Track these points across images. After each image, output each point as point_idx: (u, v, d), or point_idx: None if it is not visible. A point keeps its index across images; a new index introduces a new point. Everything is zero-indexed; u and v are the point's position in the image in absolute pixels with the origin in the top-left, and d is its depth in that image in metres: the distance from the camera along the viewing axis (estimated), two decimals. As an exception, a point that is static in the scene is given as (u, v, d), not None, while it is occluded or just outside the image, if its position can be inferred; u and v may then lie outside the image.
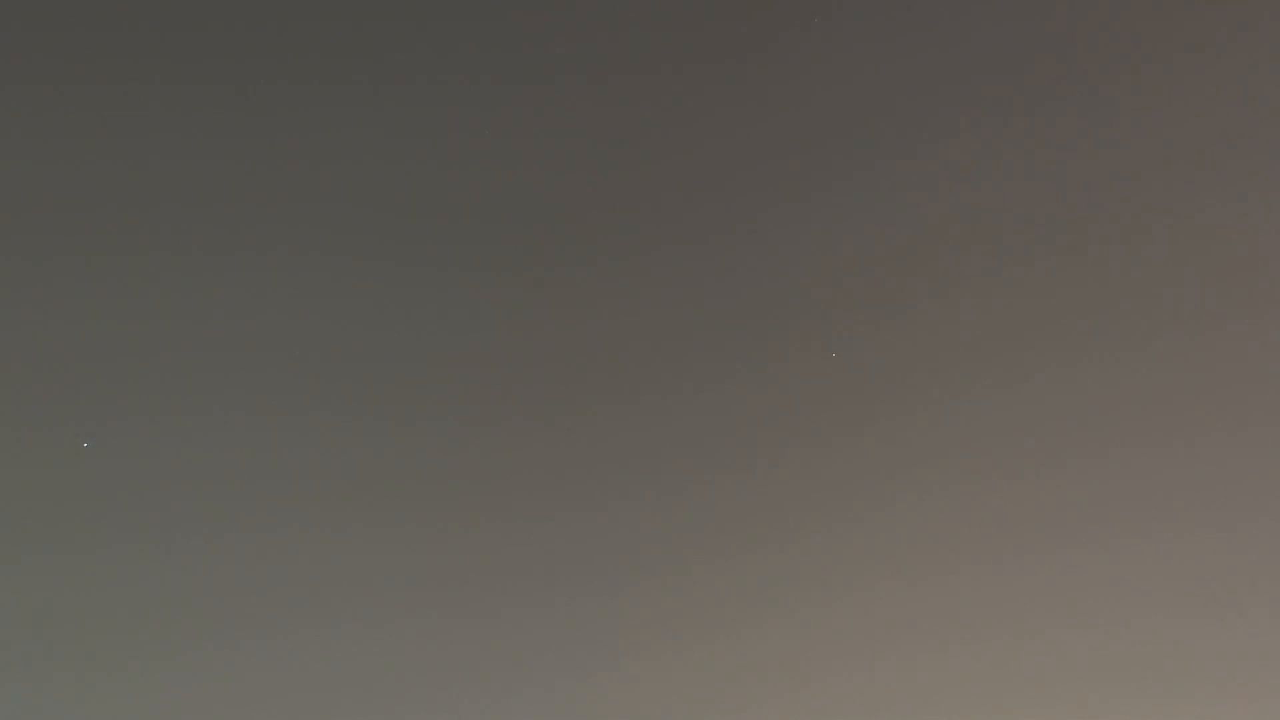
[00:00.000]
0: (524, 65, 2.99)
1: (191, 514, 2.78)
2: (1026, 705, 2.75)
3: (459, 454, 2.85)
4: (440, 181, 2.95)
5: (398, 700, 2.75)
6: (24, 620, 2.72)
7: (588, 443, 2.87)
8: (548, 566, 2.82)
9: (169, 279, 2.86)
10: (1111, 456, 2.83)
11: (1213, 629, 2.75)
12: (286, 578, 2.77)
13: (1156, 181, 2.92)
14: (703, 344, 2.91)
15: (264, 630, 2.75)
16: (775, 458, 2.86)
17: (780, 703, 2.77)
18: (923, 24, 2.99)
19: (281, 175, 2.92)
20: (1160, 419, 2.83)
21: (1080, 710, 2.74)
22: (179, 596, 2.75)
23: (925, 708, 2.76)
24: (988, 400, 2.86)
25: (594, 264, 2.94)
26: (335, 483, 2.82)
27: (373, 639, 2.76)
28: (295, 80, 2.95)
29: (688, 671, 2.79)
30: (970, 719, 2.75)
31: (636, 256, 2.94)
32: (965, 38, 2.99)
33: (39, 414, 2.78)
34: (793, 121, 2.98)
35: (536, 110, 2.98)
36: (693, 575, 2.82)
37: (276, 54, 2.96)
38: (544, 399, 2.88)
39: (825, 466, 2.85)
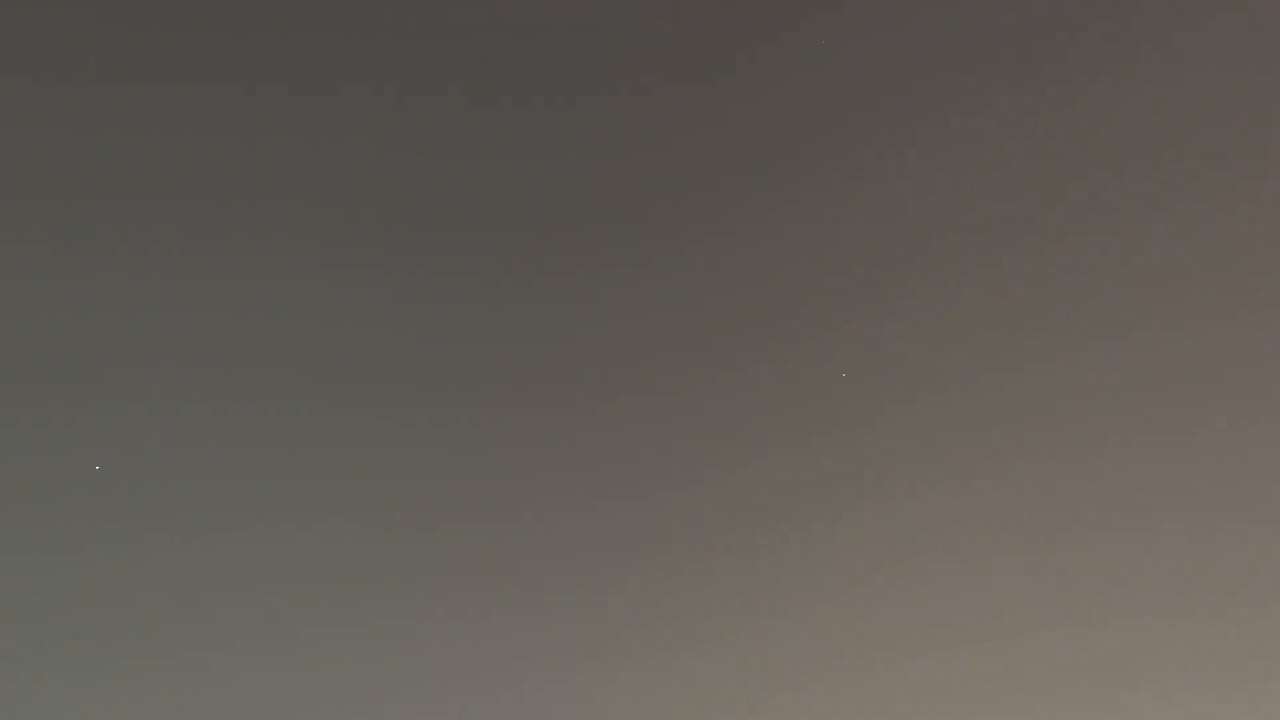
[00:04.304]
0: (525, 68, 3.00)
1: (190, 515, 2.79)
2: (1027, 705, 2.75)
3: (456, 454, 2.86)
4: (439, 183, 2.96)
5: (397, 700, 2.75)
6: (25, 621, 2.73)
7: (585, 444, 2.87)
8: (548, 567, 2.82)
9: (171, 281, 2.87)
10: (1112, 455, 2.83)
11: (1214, 628, 2.75)
12: (286, 578, 2.78)
13: (1150, 176, 2.92)
14: (700, 345, 2.91)
15: (264, 631, 2.75)
16: (774, 457, 2.86)
17: (779, 703, 2.77)
18: (916, 21, 3.00)
19: (282, 179, 2.93)
20: (1159, 416, 2.83)
21: (1080, 711, 2.74)
22: (179, 596, 2.76)
23: (924, 708, 2.76)
24: (986, 399, 2.86)
25: (589, 266, 2.94)
26: (334, 484, 2.83)
27: (373, 639, 2.77)
28: (301, 85, 2.96)
29: (687, 672, 2.79)
30: (970, 719, 2.75)
31: (633, 259, 2.94)
32: (960, 37, 2.99)
33: (41, 413, 2.80)
34: (789, 124, 2.98)
35: (535, 113, 2.99)
36: (693, 576, 2.83)
37: (278, 58, 2.97)
38: (542, 400, 2.89)
39: (824, 466, 2.85)
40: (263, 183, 2.92)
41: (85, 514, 2.77)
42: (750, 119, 2.98)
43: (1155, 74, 2.95)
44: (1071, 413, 2.85)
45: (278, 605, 2.76)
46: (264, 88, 2.95)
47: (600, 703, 2.77)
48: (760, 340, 2.90)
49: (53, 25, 2.93)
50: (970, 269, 2.91)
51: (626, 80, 3.00)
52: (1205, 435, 2.82)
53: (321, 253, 2.91)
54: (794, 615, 2.79)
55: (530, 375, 2.90)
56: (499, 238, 2.95)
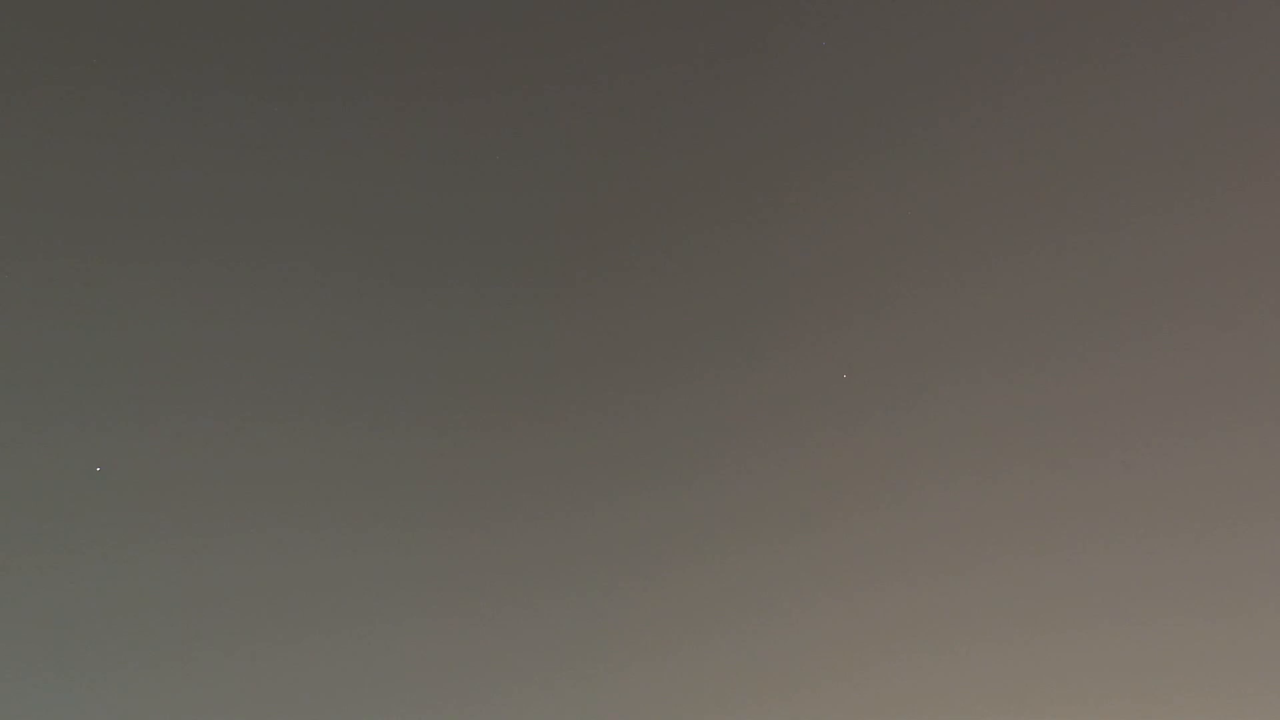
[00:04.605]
0: (522, 70, 3.00)
1: (193, 518, 2.79)
2: (1027, 706, 2.74)
3: (455, 456, 2.86)
4: (436, 185, 2.96)
5: (396, 701, 2.75)
6: (26, 622, 2.73)
7: (585, 444, 2.87)
8: (548, 567, 2.83)
9: (170, 284, 2.88)
10: (1113, 457, 2.83)
11: (1212, 629, 2.75)
12: (287, 580, 2.78)
13: (1151, 176, 2.92)
14: (701, 344, 2.91)
15: (265, 633, 2.76)
16: (775, 459, 2.86)
17: (777, 704, 2.77)
18: (913, 21, 3.00)
19: (277, 183, 2.94)
20: (1159, 418, 2.83)
21: (1080, 711, 2.74)
22: (180, 598, 2.76)
23: (924, 708, 2.76)
24: (987, 400, 2.86)
25: (589, 267, 2.94)
26: (335, 486, 2.83)
27: (374, 641, 2.77)
28: (300, 91, 2.96)
29: (687, 673, 2.79)
30: (971, 719, 2.75)
31: (633, 260, 2.94)
32: (962, 35, 2.99)
33: (44, 416, 2.80)
34: (790, 124, 2.98)
35: (530, 116, 2.99)
36: (693, 577, 2.83)
37: (280, 64, 2.97)
38: (542, 401, 2.89)
39: (825, 467, 2.85)
40: (259, 187, 2.93)
41: (86, 516, 2.78)
42: (751, 119, 2.98)
43: (1154, 74, 2.95)
44: (1073, 414, 2.85)
45: (278, 607, 2.77)
46: (255, 87, 2.96)
47: (600, 703, 2.78)
48: (761, 341, 2.91)
49: (57, 31, 2.94)
50: (972, 270, 2.91)
51: (629, 80, 3.00)
52: (1207, 436, 2.82)
53: (319, 256, 2.92)
54: (794, 617, 2.80)
55: (530, 376, 2.90)
56: (497, 238, 2.95)
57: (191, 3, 2.97)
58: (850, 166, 2.95)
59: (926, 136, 2.95)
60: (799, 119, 2.98)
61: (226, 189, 2.92)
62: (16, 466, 2.78)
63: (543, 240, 2.95)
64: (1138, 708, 2.73)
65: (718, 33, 3.01)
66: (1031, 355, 2.87)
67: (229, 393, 2.84)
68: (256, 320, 2.87)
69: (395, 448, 2.85)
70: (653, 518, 2.84)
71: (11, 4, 2.92)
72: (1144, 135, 2.93)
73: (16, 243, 2.86)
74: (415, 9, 3.00)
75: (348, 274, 2.91)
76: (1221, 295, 2.86)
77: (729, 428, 2.87)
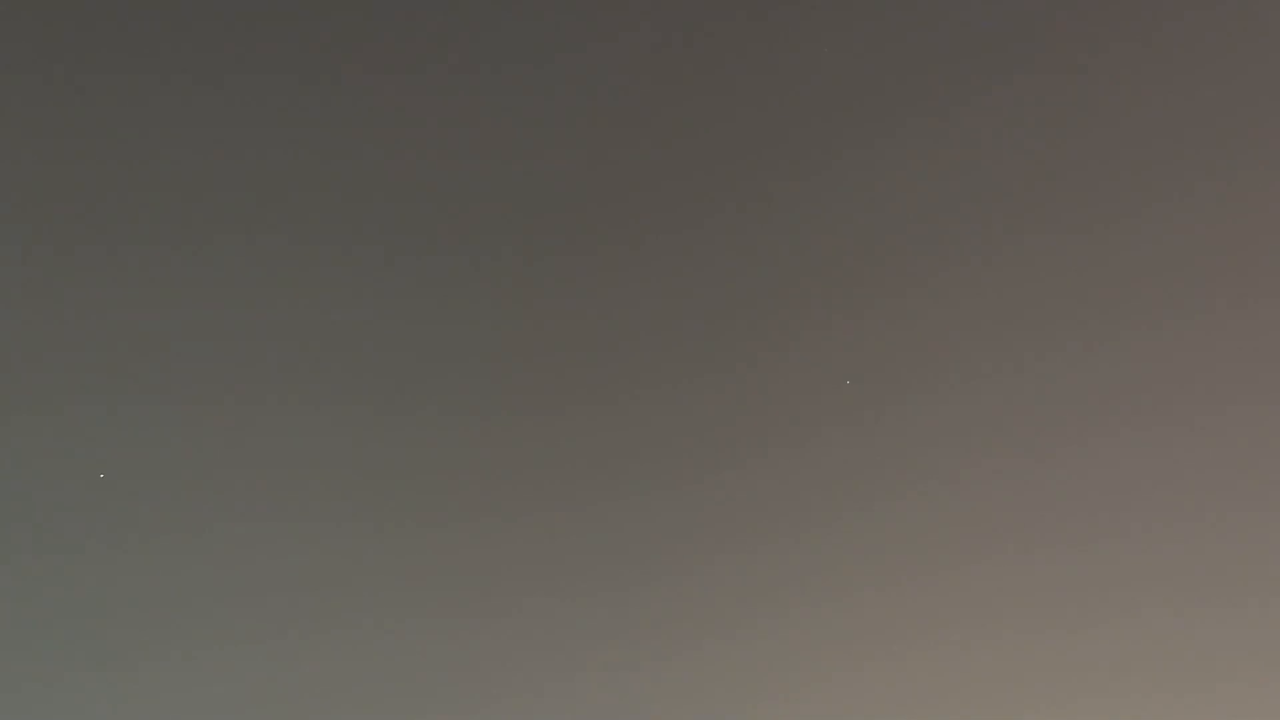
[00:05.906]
0: (517, 56, 3.00)
1: (191, 512, 2.80)
2: (1026, 705, 2.75)
3: (456, 451, 2.86)
4: (431, 174, 2.95)
5: (397, 701, 2.76)
6: (26, 620, 2.74)
7: (583, 443, 2.87)
8: (547, 566, 2.83)
9: (166, 273, 2.88)
10: (1112, 458, 2.83)
11: (1213, 628, 2.75)
12: (286, 577, 2.79)
13: (1151, 174, 2.92)
14: (702, 341, 2.91)
15: (263, 631, 2.76)
16: (777, 461, 2.86)
17: (777, 703, 2.77)
18: (916, 15, 2.99)
19: (277, 168, 2.93)
20: (1151, 414, 2.83)
21: (1080, 711, 2.75)
22: (179, 596, 2.77)
23: (922, 709, 2.76)
24: (982, 398, 2.86)
25: (587, 259, 2.94)
26: (334, 481, 2.83)
27: (372, 639, 2.78)
28: (291, 72, 2.96)
29: (686, 672, 2.79)
30: (968, 719, 2.76)
31: (631, 251, 2.94)
32: (961, 30, 2.98)
33: (42, 408, 2.80)
34: (793, 127, 2.98)
35: (528, 103, 2.98)
36: (690, 576, 2.83)
37: (272, 46, 2.96)
38: (542, 396, 2.89)
39: (827, 470, 2.85)
40: (251, 173, 2.92)
41: (86, 515, 2.78)
42: (755, 120, 2.98)
43: (1150, 70, 2.95)
44: (1073, 415, 2.85)
45: (279, 606, 2.77)
46: (247, 80, 2.95)
47: (600, 703, 2.78)
48: (765, 345, 2.91)
49: (52, 23, 2.93)
50: (975, 273, 2.91)
51: (618, 73, 2.99)
52: (1208, 435, 2.82)
53: (315, 250, 2.91)
54: (794, 619, 2.80)
55: (533, 376, 2.90)
56: (497, 235, 2.95)
57: None
58: (854, 165, 2.95)
59: (932, 141, 2.95)
60: (800, 115, 2.97)
61: (220, 175, 2.91)
62: (17, 468, 2.78)
63: (546, 240, 2.95)
64: (1138, 706, 2.74)
65: (716, 24, 3.00)
66: (1031, 356, 2.88)
67: (228, 390, 2.84)
68: (255, 318, 2.87)
69: (397, 444, 2.85)
70: (653, 516, 2.84)
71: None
72: (1143, 135, 2.93)
73: (16, 242, 2.86)
74: None
75: (344, 268, 2.91)
76: (1223, 295, 2.86)
77: (731, 427, 2.88)
